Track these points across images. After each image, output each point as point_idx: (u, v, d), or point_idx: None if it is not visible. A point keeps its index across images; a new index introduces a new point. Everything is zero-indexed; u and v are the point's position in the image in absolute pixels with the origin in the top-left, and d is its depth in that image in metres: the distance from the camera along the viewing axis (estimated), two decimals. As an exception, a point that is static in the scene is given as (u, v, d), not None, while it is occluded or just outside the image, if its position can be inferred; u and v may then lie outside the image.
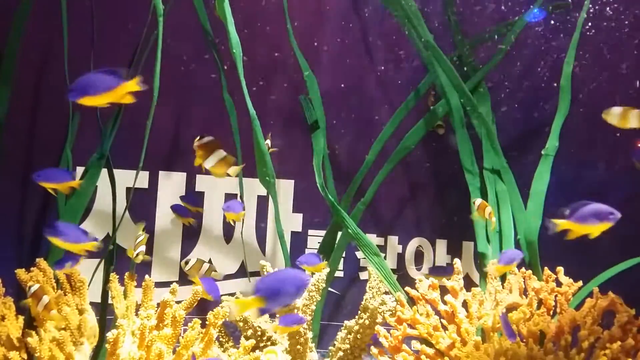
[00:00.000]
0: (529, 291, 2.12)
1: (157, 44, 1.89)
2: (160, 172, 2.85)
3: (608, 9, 2.71)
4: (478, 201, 2.30)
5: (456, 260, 2.20)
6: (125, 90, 1.60)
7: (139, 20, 2.19)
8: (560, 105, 2.33)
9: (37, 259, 2.25)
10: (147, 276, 2.37)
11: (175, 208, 2.65)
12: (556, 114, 2.33)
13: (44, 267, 2.26)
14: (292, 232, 2.89)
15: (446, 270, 2.24)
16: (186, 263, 2.42)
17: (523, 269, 2.17)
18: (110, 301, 2.24)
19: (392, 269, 2.74)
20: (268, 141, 2.51)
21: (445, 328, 2.11)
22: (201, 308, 2.38)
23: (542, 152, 2.37)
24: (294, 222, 2.92)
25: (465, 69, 2.61)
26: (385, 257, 2.89)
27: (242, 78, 2.10)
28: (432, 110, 2.61)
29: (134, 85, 1.59)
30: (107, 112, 2.52)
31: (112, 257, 2.48)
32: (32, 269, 2.23)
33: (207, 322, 2.27)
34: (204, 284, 2.02)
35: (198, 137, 2.06)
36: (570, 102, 2.33)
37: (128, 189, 2.70)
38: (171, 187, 2.83)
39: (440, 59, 2.40)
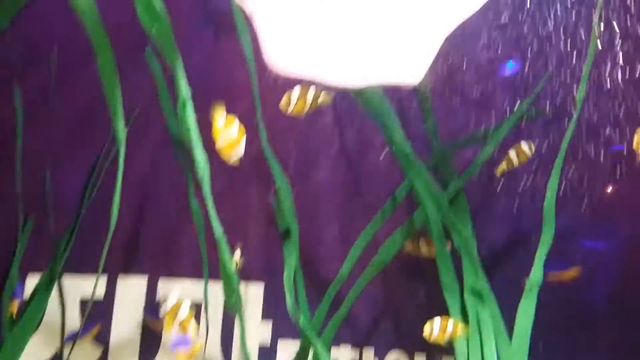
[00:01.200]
0: None
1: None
2: (119, 278, 2.64)
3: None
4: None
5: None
6: None
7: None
8: (543, 234, 2.20)
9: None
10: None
11: None
12: (539, 243, 2.21)
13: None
14: (260, 347, 2.69)
15: None
16: None
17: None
18: None
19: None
20: (238, 254, 2.35)
21: None
22: None
23: (526, 285, 2.24)
24: (262, 332, 2.73)
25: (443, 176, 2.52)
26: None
27: (209, 199, 1.94)
28: (410, 220, 2.49)
29: None
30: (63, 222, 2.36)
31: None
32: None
33: None
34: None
35: None
36: (554, 231, 2.21)
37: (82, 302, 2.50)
38: (130, 294, 2.62)
39: (417, 168, 2.30)
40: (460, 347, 2.25)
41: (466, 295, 2.28)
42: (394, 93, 2.40)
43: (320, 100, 2.08)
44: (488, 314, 2.22)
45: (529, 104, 2.61)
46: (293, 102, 2.07)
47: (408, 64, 1.86)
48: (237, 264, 2.28)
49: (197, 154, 1.88)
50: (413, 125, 2.61)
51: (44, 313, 2.27)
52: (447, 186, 2.47)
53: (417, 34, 1.86)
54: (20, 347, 2.17)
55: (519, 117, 2.56)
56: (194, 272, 2.65)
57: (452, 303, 2.31)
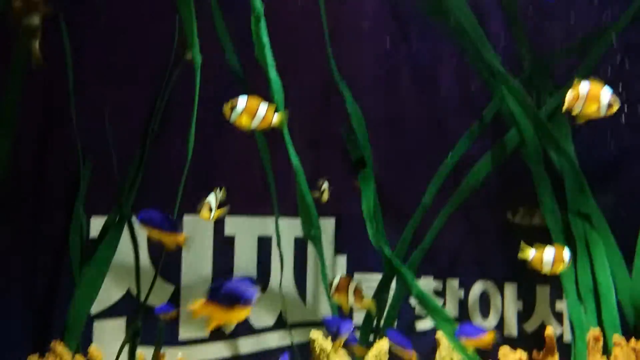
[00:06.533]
0: (640, 369, 1.77)
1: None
2: (185, 218, 2.53)
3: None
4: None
5: (548, 327, 1.85)
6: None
7: (159, 57, 1.89)
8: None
9: (52, 342, 1.96)
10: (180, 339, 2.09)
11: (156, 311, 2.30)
12: None
13: (60, 352, 1.95)
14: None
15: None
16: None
17: (633, 340, 1.81)
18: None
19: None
20: (325, 187, 2.23)
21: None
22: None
23: None
24: (337, 265, 2.60)
25: (537, 93, 2.23)
26: (444, 304, 2.57)
27: (285, 128, 1.76)
28: (501, 142, 2.25)
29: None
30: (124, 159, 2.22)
31: (138, 329, 2.19)
32: (46, 354, 1.94)
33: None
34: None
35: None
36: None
37: (149, 240, 2.39)
38: (197, 232, 2.50)
39: (509, 84, 2.03)
40: (567, 274, 2.03)
41: (571, 217, 2.05)
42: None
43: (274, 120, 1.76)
44: (599, 237, 1.99)
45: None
46: (236, 113, 1.75)
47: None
48: (323, 195, 2.18)
49: (271, 73, 1.70)
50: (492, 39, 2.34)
51: (113, 256, 2.17)
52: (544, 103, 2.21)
53: None
54: (96, 286, 2.10)
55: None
56: (262, 209, 2.51)
57: (554, 227, 2.09)
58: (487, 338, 1.83)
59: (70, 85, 2.16)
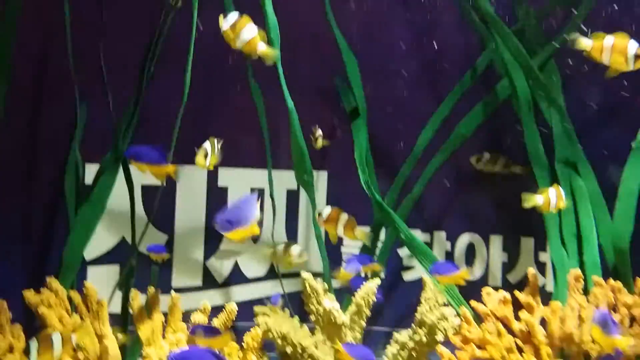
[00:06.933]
0: (619, 306, 1.83)
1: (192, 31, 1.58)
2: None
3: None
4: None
5: (531, 269, 1.91)
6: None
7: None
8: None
9: (47, 278, 1.99)
10: (172, 292, 2.12)
11: (148, 249, 2.35)
12: None
13: (56, 288, 1.99)
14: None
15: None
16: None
17: (611, 281, 1.87)
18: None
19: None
20: (319, 134, 2.26)
21: (521, 350, 1.84)
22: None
23: (632, 145, 2.02)
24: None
25: (529, 44, 2.24)
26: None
27: (279, 66, 1.77)
28: (492, 91, 2.27)
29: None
30: (121, 101, 2.23)
31: (132, 269, 2.22)
32: (41, 289, 1.97)
33: (244, 346, 2.02)
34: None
35: None
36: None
37: (143, 188, 2.41)
38: (191, 183, 2.53)
39: (503, 33, 2.05)
40: (551, 220, 2.09)
41: (557, 166, 2.10)
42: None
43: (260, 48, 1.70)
44: (584, 185, 2.04)
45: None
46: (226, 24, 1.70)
47: None
48: (318, 141, 2.19)
49: (267, 8, 1.70)
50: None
51: (109, 197, 2.18)
52: (535, 53, 2.23)
53: None
54: (91, 226, 2.11)
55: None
56: (255, 161, 2.54)
57: (541, 175, 2.13)
58: (460, 275, 1.90)
59: (67, 29, 2.15)
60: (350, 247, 2.64)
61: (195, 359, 1.42)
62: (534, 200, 1.89)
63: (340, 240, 2.60)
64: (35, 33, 2.26)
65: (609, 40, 1.69)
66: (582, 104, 2.30)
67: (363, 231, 2.04)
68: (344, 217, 2.01)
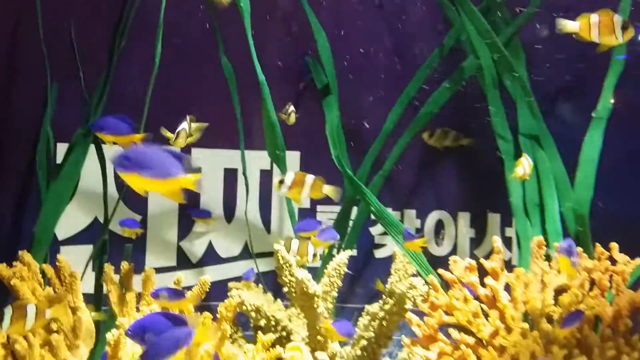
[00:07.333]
0: (579, 271, 1.91)
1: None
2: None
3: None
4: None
5: (495, 238, 1.97)
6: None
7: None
8: (614, 63, 2.04)
9: (20, 252, 1.98)
10: (147, 266, 2.13)
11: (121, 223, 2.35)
12: (609, 69, 2.05)
13: (28, 261, 1.98)
14: (299, 209, 2.63)
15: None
16: None
17: (573, 246, 1.94)
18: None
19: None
20: (292, 109, 2.27)
21: (486, 315, 1.90)
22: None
23: (593, 115, 2.11)
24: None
25: (494, 20, 2.31)
26: (401, 233, 2.68)
27: (249, 37, 1.80)
28: (459, 68, 2.33)
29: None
30: (92, 80, 2.23)
31: (105, 245, 2.23)
32: (14, 263, 1.97)
33: (218, 316, 2.05)
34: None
35: None
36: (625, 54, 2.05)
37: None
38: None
39: (469, 10, 2.12)
40: (515, 193, 2.16)
41: (521, 139, 2.17)
42: None
43: None
44: (546, 157, 2.12)
45: None
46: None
47: None
48: (290, 117, 2.20)
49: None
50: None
51: (80, 172, 2.19)
52: (499, 31, 2.30)
53: None
54: (62, 201, 2.12)
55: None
56: (228, 142, 2.56)
57: (506, 149, 2.21)
58: (418, 242, 2.00)
59: (38, 6, 2.15)
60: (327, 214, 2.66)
61: (151, 325, 1.35)
62: (516, 172, 1.98)
63: (314, 207, 2.62)
64: (6, 11, 2.26)
65: (595, 18, 1.74)
66: (545, 78, 2.38)
67: (331, 187, 1.95)
68: (309, 178, 1.90)
